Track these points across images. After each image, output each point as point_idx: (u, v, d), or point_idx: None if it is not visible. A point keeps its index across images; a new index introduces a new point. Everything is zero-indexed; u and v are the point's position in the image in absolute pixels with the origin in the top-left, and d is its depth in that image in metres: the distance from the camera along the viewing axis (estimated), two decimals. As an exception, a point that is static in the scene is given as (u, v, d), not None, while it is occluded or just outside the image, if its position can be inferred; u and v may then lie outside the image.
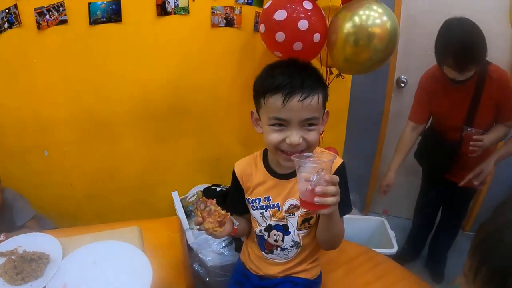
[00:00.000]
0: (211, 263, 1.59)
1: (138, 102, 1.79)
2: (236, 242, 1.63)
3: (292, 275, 1.23)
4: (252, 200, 1.19)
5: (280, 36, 1.43)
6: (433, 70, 1.68)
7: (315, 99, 1.00)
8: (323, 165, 0.89)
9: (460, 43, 1.49)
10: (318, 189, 0.85)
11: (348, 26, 1.41)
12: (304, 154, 0.95)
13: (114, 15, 1.61)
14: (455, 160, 1.75)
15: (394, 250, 1.85)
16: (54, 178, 1.81)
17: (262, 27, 1.50)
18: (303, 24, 1.41)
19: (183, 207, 1.82)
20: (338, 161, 1.12)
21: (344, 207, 1.08)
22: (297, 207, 1.13)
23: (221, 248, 1.62)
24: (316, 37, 1.45)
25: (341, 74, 1.65)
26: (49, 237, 1.05)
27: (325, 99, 1.07)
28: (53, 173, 1.80)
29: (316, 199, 0.86)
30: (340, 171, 1.10)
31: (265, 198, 1.16)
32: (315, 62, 1.66)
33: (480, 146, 1.58)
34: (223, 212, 1.03)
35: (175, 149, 1.94)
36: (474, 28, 1.50)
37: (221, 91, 1.89)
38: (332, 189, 0.87)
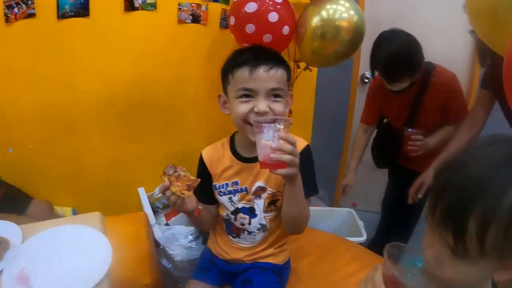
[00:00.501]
0: (178, 258, 1.56)
1: (105, 98, 1.76)
2: (203, 235, 1.62)
3: (260, 260, 1.24)
4: (220, 185, 1.19)
5: (250, 28, 1.46)
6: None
7: (280, 71, 1.07)
8: (281, 125, 0.92)
9: (387, 59, 1.53)
10: (273, 144, 0.88)
11: (316, 20, 1.47)
12: (264, 118, 0.99)
13: (82, 9, 1.59)
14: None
15: (363, 238, 1.89)
16: (18, 175, 1.74)
17: (231, 19, 1.53)
18: (273, 17, 1.45)
19: (150, 203, 1.79)
20: (303, 143, 1.16)
21: (310, 189, 1.12)
22: (263, 189, 1.15)
23: (189, 242, 1.59)
24: (285, 29, 1.49)
25: (309, 67, 1.70)
26: (8, 223, 1.03)
27: (288, 77, 1.13)
28: (17, 171, 1.73)
29: (272, 155, 0.88)
30: (305, 154, 1.13)
31: (232, 182, 1.18)
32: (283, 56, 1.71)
33: (419, 145, 1.65)
34: (193, 178, 1.02)
35: (141, 146, 1.91)
36: (406, 42, 1.52)
37: (187, 87, 1.89)
38: (288, 146, 0.89)
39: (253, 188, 1.16)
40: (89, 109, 1.76)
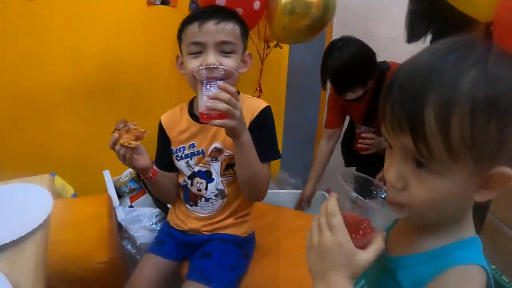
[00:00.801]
0: (141, 240, 1.50)
1: (74, 79, 1.73)
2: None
3: (220, 231, 1.18)
4: (177, 149, 1.16)
5: (221, 1, 1.44)
6: None
7: (231, 25, 1.06)
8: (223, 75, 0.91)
9: (336, 71, 1.49)
10: (210, 93, 0.86)
11: None
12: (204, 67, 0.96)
13: None
14: None
15: None
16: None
17: (203, -7, 1.52)
18: None
19: (116, 187, 1.73)
20: (262, 104, 1.14)
21: (268, 151, 1.09)
22: (220, 151, 1.11)
23: (152, 224, 1.54)
24: (256, 4, 1.48)
25: (279, 44, 1.69)
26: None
27: (243, 33, 1.11)
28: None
29: (208, 103, 0.86)
30: (264, 114, 1.10)
31: (189, 145, 1.14)
32: (254, 37, 1.69)
33: (370, 144, 1.62)
34: (143, 130, 0.99)
35: (110, 129, 1.86)
36: (356, 52, 1.48)
37: (157, 70, 1.87)
38: (224, 95, 0.86)
39: (210, 150, 1.12)
40: (58, 90, 1.72)
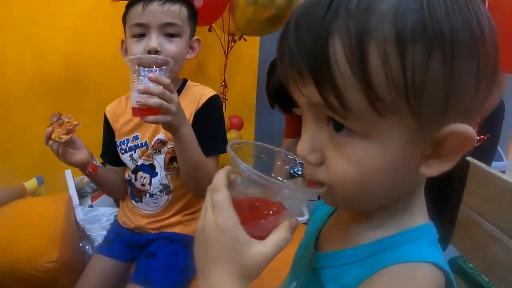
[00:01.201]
0: (99, 240, 1.49)
1: (36, 76, 1.74)
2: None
3: (167, 230, 1.14)
4: (121, 142, 1.12)
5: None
6: None
7: (177, 6, 1.00)
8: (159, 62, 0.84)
9: (277, 90, 1.46)
10: (140, 86, 0.80)
11: None
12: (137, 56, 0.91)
13: None
14: None
15: (305, 218, 1.85)
16: None
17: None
18: None
19: (77, 187, 1.73)
20: (208, 92, 1.08)
21: (214, 144, 1.04)
22: (163, 143, 1.07)
23: (110, 224, 1.54)
24: None
25: (243, 36, 1.68)
26: None
27: (191, 15, 1.06)
28: None
29: (138, 98, 0.80)
30: (209, 104, 1.06)
31: (133, 137, 1.10)
32: (218, 31, 1.69)
33: None
34: (76, 123, 0.96)
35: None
36: None
37: (119, 65, 1.84)
38: (157, 88, 0.80)
39: (153, 142, 1.08)
40: (19, 87, 1.72)
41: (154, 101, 0.80)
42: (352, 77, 0.34)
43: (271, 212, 0.43)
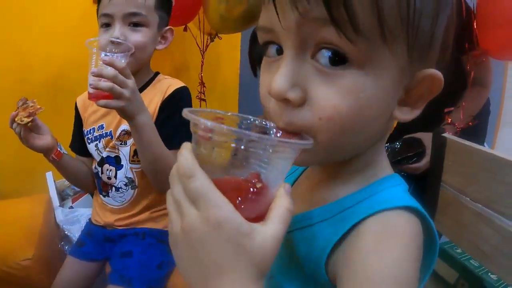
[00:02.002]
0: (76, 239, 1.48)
1: (16, 79, 1.73)
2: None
3: (137, 226, 1.12)
4: (87, 131, 1.12)
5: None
6: None
7: None
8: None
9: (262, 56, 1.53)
10: (93, 69, 0.79)
11: None
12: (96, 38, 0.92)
13: None
14: None
15: None
16: None
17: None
18: None
19: (58, 189, 1.72)
20: (176, 84, 1.08)
21: (177, 137, 1.01)
22: (128, 134, 1.05)
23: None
24: None
25: (218, 35, 1.69)
26: None
27: (159, 4, 1.06)
28: None
29: (90, 81, 0.79)
30: (176, 96, 1.05)
31: (99, 126, 1.10)
32: (195, 30, 1.71)
33: None
34: (39, 106, 0.96)
35: (54, 128, 1.87)
36: None
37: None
38: (109, 72, 0.78)
39: (118, 132, 1.06)
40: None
41: (105, 84, 0.79)
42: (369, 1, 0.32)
43: (258, 185, 0.35)
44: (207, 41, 1.73)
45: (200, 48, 1.76)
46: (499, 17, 1.26)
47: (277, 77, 0.36)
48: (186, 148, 0.35)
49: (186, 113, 0.34)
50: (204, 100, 1.84)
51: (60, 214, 1.54)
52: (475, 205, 0.96)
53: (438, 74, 0.38)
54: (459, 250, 1.20)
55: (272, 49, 0.40)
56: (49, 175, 1.73)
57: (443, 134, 1.02)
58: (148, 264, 1.08)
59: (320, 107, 0.36)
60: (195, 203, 0.33)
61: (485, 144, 2.35)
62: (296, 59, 0.36)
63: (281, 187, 0.36)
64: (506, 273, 0.91)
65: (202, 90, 1.81)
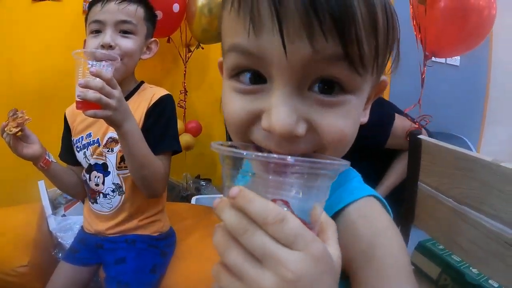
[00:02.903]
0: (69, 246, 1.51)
1: (8, 88, 1.78)
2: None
3: (127, 233, 1.17)
4: (76, 140, 1.17)
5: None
6: None
7: (134, 6, 1.08)
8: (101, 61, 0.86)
9: None
10: (81, 80, 0.82)
11: None
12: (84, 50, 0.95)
13: None
14: None
15: None
16: None
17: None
18: None
19: (51, 198, 1.75)
20: (161, 92, 1.14)
21: (163, 143, 1.08)
22: (115, 141, 1.10)
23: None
24: (176, 7, 1.58)
25: (201, 45, 1.79)
26: None
27: (147, 16, 1.13)
28: None
29: (77, 92, 0.82)
30: (161, 103, 1.11)
31: (87, 135, 1.15)
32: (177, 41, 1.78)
33: None
34: (28, 117, 1.02)
35: (45, 137, 1.90)
36: None
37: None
38: (96, 83, 0.82)
39: (105, 140, 1.11)
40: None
41: (92, 95, 0.82)
42: (370, 30, 0.37)
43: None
44: (186, 52, 1.85)
45: (182, 58, 1.86)
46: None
47: (279, 115, 0.36)
48: (249, 192, 0.32)
49: (217, 147, 0.34)
50: (184, 107, 1.96)
51: (53, 222, 1.58)
52: (450, 202, 1.03)
53: (386, 78, 0.45)
54: (441, 247, 1.25)
55: (245, 77, 0.40)
56: (42, 184, 1.76)
57: (419, 136, 1.09)
58: (142, 269, 1.13)
59: (327, 133, 0.39)
60: (293, 246, 0.30)
61: (465, 138, 2.45)
62: (293, 92, 0.37)
63: (318, 209, 0.36)
64: (483, 265, 0.98)
65: (184, 98, 1.88)
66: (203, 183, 2.28)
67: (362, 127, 0.44)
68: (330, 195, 0.38)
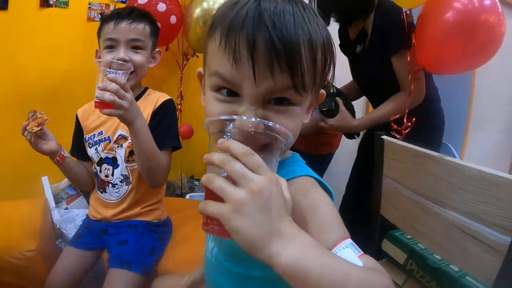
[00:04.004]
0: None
1: (13, 89, 1.92)
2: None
3: (130, 219, 1.34)
4: (88, 137, 1.35)
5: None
6: None
7: (142, 25, 1.28)
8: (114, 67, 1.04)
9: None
10: (100, 84, 1.00)
11: (198, 11, 1.78)
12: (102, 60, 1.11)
13: (2, 3, 1.80)
14: None
15: None
16: None
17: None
18: (161, 7, 1.74)
19: (54, 193, 1.90)
20: (164, 97, 1.33)
21: (166, 139, 1.26)
22: (124, 138, 1.29)
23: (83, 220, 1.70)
24: (173, 19, 1.77)
25: (196, 53, 1.98)
26: None
27: (153, 31, 1.33)
28: None
29: (96, 93, 1.00)
30: (164, 106, 1.29)
31: (98, 133, 1.33)
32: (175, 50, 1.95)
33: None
34: (46, 117, 1.19)
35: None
36: None
37: (92, 81, 2.07)
38: (112, 86, 1.00)
39: (115, 137, 1.30)
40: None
41: (108, 97, 0.99)
42: (312, 69, 0.56)
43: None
44: (183, 60, 2.03)
45: (179, 65, 2.05)
46: (433, 34, 1.49)
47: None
48: (230, 140, 0.49)
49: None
50: (180, 111, 2.14)
51: (56, 214, 1.73)
52: (408, 193, 1.22)
53: (323, 91, 0.65)
54: (408, 236, 1.42)
55: (223, 91, 0.58)
56: (45, 179, 1.91)
57: (382, 137, 1.27)
58: (142, 250, 1.30)
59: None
60: (258, 171, 0.46)
61: (449, 145, 2.60)
62: (257, 104, 0.55)
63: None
64: (438, 248, 1.16)
65: (180, 102, 2.06)
66: (196, 182, 2.45)
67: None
68: (278, 172, 0.54)
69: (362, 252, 0.53)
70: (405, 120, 1.56)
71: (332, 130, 1.81)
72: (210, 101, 0.60)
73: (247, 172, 0.46)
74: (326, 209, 0.58)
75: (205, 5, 1.79)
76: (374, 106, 1.82)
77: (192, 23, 1.79)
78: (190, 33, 1.83)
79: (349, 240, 0.54)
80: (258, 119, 0.51)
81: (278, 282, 0.57)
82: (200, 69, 0.69)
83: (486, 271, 0.95)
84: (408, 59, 1.54)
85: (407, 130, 1.55)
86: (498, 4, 1.45)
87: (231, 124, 0.51)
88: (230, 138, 0.51)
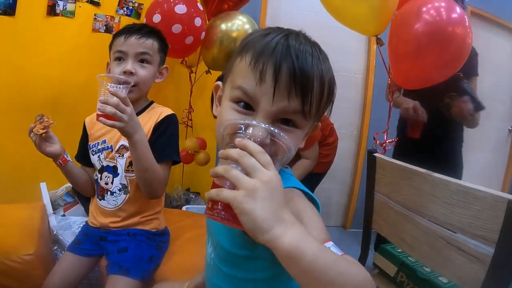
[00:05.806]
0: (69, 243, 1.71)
1: (17, 94, 2.00)
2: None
3: (129, 228, 1.40)
4: (92, 145, 1.42)
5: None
6: None
7: (151, 40, 1.37)
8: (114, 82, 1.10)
9: None
10: (101, 97, 1.07)
11: (220, 33, 1.96)
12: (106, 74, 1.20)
13: (9, 8, 1.90)
14: None
15: None
16: None
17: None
18: (176, 28, 1.85)
19: (52, 200, 1.96)
20: (167, 112, 1.41)
21: (165, 153, 1.32)
22: (126, 148, 1.36)
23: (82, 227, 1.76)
24: (189, 39, 1.89)
25: (210, 70, 2.13)
26: None
27: (161, 48, 1.41)
28: None
29: (98, 106, 1.07)
30: (166, 120, 1.36)
31: (102, 141, 1.40)
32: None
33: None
34: (52, 121, 1.26)
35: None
36: None
37: (93, 89, 2.16)
38: (113, 100, 1.04)
39: (117, 146, 1.37)
40: (3, 108, 1.98)
41: (109, 109, 1.05)
42: (319, 99, 0.68)
43: None
44: (194, 75, 2.19)
45: (190, 80, 2.19)
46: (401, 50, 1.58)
47: (259, 130, 0.61)
48: (247, 139, 0.58)
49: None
50: (189, 125, 2.24)
51: (54, 220, 1.79)
52: (397, 206, 1.32)
53: (319, 123, 0.76)
54: (399, 250, 1.51)
55: (241, 104, 0.68)
56: (43, 185, 1.98)
57: (374, 154, 1.38)
58: (142, 258, 1.36)
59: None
60: (267, 167, 0.55)
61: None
62: (267, 121, 0.66)
63: None
64: (424, 257, 1.23)
65: (189, 116, 2.16)
66: (192, 195, 2.52)
67: None
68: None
69: (343, 253, 0.60)
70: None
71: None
72: (227, 109, 0.70)
73: (260, 166, 0.55)
74: (310, 215, 0.67)
75: (223, 26, 1.96)
76: None
77: (216, 42, 1.94)
78: (206, 52, 2.01)
79: (331, 242, 0.62)
80: (271, 127, 0.60)
81: (270, 284, 0.74)
82: (218, 83, 0.79)
83: (472, 280, 1.03)
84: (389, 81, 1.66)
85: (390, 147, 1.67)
86: (466, 17, 1.55)
87: (249, 128, 0.60)
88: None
